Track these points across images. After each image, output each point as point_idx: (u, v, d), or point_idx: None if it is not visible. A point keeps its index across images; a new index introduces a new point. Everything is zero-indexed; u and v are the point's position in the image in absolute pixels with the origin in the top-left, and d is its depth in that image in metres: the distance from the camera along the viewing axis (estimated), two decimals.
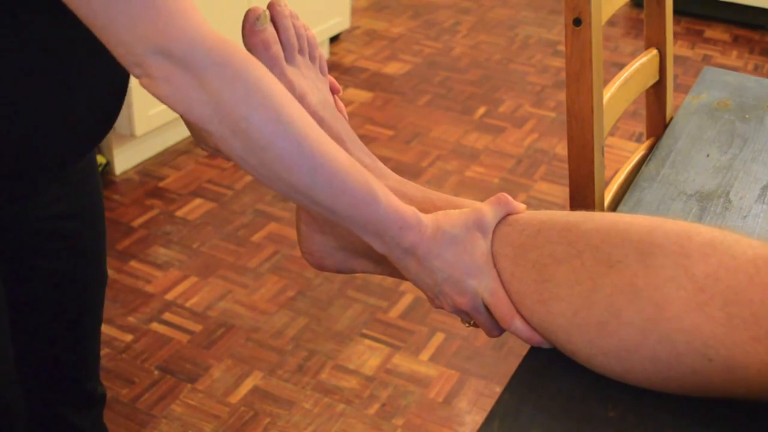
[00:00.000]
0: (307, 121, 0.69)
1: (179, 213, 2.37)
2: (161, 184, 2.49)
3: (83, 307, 1.08)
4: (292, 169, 0.69)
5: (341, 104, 0.87)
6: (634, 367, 0.68)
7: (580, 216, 0.74)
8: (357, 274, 2.15)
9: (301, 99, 0.81)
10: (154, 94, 0.67)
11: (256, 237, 2.29)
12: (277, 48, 0.80)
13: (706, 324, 0.64)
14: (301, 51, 0.83)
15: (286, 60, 0.82)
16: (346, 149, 0.82)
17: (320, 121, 0.82)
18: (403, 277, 0.80)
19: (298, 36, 0.83)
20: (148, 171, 2.55)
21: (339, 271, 0.85)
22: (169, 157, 2.63)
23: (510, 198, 0.77)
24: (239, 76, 0.66)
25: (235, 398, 1.78)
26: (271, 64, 0.80)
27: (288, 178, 0.69)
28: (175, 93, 0.66)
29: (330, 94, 0.86)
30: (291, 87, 0.81)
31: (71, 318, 1.08)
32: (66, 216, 1.00)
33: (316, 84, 0.84)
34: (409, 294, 2.11)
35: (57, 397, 1.12)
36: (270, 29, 0.80)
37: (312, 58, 0.85)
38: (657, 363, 0.67)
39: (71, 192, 0.99)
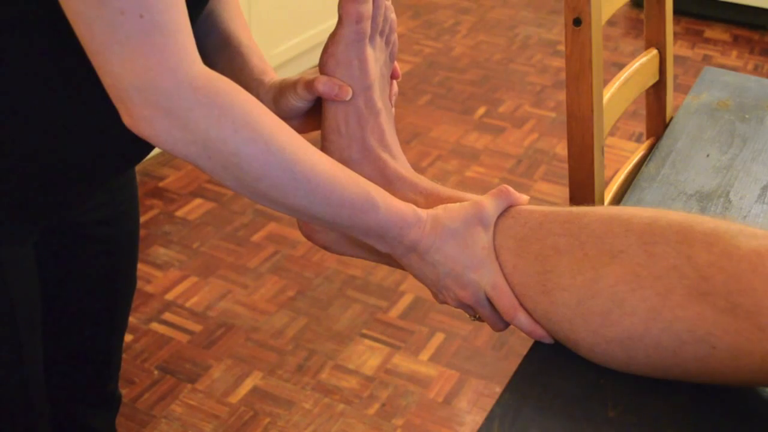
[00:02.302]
0: (298, 144, 0.70)
1: (179, 213, 2.37)
2: (161, 184, 2.49)
3: (114, 311, 1.09)
4: (288, 195, 0.70)
5: (395, 88, 0.87)
6: (638, 355, 0.68)
7: (582, 209, 0.75)
8: (357, 274, 2.15)
9: (366, 89, 0.81)
10: (137, 134, 0.67)
11: (256, 237, 2.29)
12: (366, 24, 0.80)
13: (709, 313, 0.64)
14: (381, 32, 0.83)
15: (369, 38, 0.81)
16: (384, 140, 0.83)
17: (374, 112, 0.82)
18: (394, 266, 0.81)
19: (384, 17, 0.83)
20: (147, 171, 2.55)
21: (328, 249, 0.85)
22: (169, 156, 2.63)
23: (511, 190, 0.77)
24: (226, 113, 0.66)
25: (235, 398, 1.78)
26: (356, 38, 0.79)
27: (285, 202, 0.70)
28: (159, 134, 0.66)
29: (389, 79, 0.87)
30: (365, 68, 0.81)
31: (102, 321, 1.09)
32: (105, 222, 1.00)
33: (382, 70, 0.85)
34: (409, 294, 2.11)
35: (80, 398, 1.13)
36: (369, 4, 0.79)
37: (387, 42, 0.85)
38: (660, 351, 0.67)
39: (111, 199, 1.00)
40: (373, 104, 0.82)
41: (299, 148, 0.69)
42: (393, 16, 0.84)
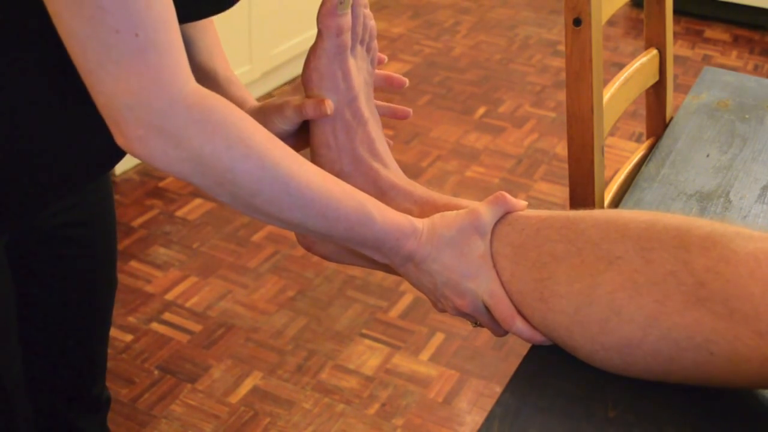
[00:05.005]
0: (292, 159, 0.70)
1: (179, 213, 2.37)
2: (161, 184, 2.49)
3: (93, 313, 1.08)
4: (284, 209, 0.70)
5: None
6: (636, 361, 0.68)
7: (579, 214, 0.74)
8: (357, 274, 2.15)
9: (352, 100, 0.82)
10: (131, 153, 0.66)
11: (256, 237, 2.29)
12: (347, 36, 0.80)
13: (707, 318, 0.64)
14: (361, 41, 0.83)
15: (351, 48, 0.81)
16: (374, 149, 0.83)
17: (362, 122, 0.83)
18: (392, 273, 0.81)
19: (363, 25, 0.83)
20: (147, 171, 2.55)
21: (327, 259, 0.84)
22: None
23: (508, 196, 0.76)
24: (219, 130, 0.66)
25: (235, 398, 1.78)
26: (337, 51, 0.80)
27: (280, 216, 0.70)
28: (152, 153, 0.65)
29: (372, 86, 0.87)
30: (349, 79, 0.81)
31: (81, 323, 1.08)
32: (78, 223, 1.00)
33: (366, 78, 0.85)
34: (409, 294, 2.11)
35: (63, 402, 1.12)
36: (348, 16, 0.79)
37: (368, 49, 0.85)
38: (659, 357, 0.67)
39: (84, 200, 0.99)
40: (360, 114, 0.82)
41: (293, 163, 0.69)
42: (372, 23, 0.84)
